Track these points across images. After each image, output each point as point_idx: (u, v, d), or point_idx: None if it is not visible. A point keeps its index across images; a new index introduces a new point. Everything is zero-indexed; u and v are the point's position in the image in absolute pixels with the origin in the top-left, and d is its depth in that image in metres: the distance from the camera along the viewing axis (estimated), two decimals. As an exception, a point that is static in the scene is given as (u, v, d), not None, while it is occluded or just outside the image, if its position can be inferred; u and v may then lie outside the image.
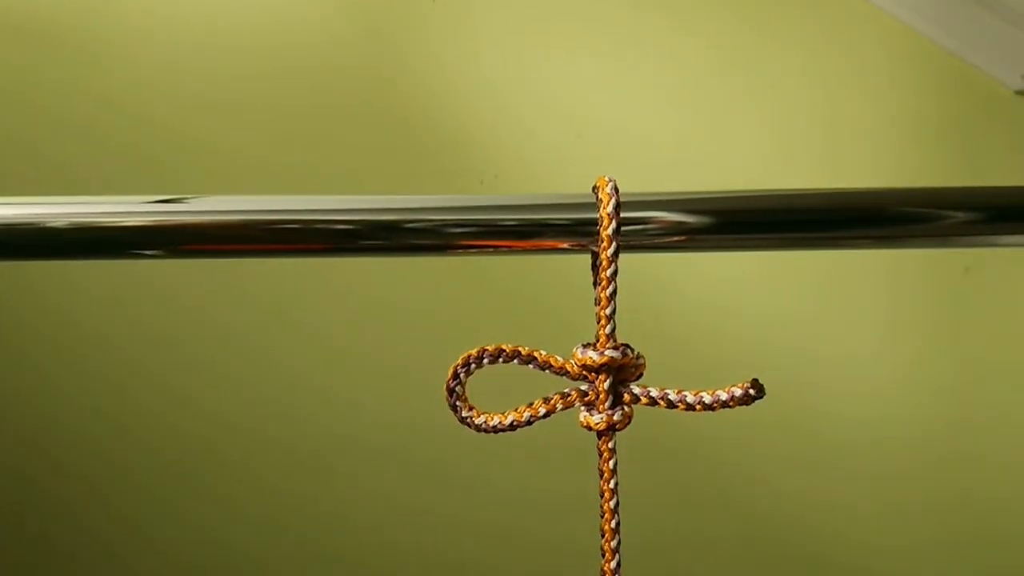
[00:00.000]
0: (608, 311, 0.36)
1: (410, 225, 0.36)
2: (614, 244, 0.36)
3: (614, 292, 0.36)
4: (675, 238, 0.37)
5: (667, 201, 0.37)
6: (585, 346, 0.37)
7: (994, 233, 0.39)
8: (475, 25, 1.07)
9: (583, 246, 0.37)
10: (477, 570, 1.11)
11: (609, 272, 0.36)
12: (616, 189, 0.36)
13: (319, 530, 1.11)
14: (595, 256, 0.37)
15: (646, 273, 1.03)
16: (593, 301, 0.37)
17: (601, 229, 0.36)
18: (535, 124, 1.07)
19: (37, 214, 0.36)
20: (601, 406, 0.37)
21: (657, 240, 0.37)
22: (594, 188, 0.37)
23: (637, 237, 0.37)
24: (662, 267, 1.04)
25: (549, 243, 0.37)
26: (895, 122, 1.06)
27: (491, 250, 0.37)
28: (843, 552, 1.10)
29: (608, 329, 0.37)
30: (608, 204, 0.36)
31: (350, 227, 0.36)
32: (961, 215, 0.38)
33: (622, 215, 0.36)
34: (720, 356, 1.06)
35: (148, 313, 1.07)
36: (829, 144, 1.07)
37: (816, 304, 1.08)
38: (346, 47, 1.07)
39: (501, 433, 0.38)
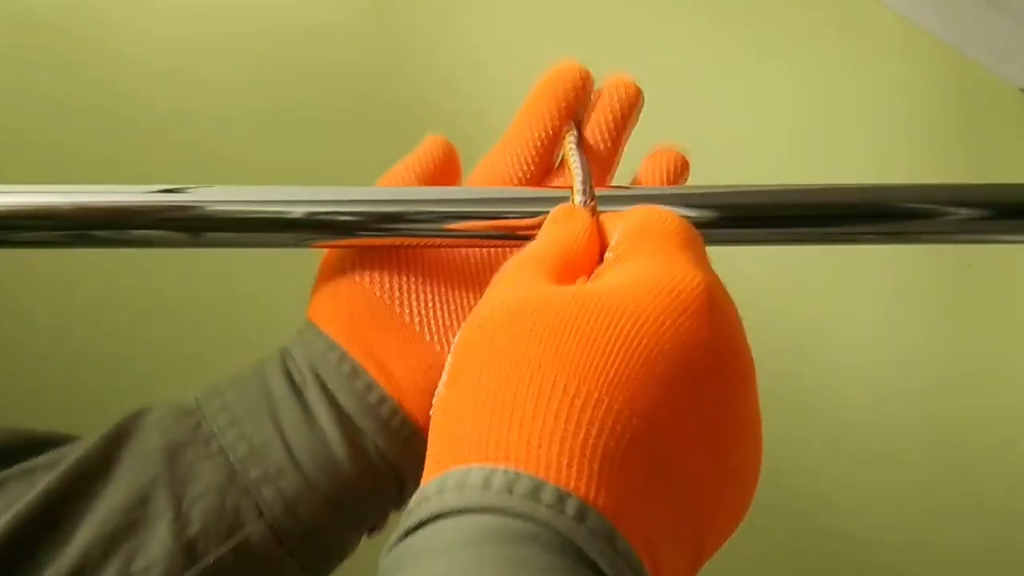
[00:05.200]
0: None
1: (412, 216, 0.36)
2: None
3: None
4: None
5: (668, 195, 0.37)
6: None
7: (997, 230, 0.39)
8: (478, 15, 1.07)
9: None
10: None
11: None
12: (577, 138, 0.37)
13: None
14: None
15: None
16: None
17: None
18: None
19: (36, 203, 0.36)
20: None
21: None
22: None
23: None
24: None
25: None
26: (899, 118, 1.06)
27: (489, 241, 0.37)
28: (835, 530, 1.11)
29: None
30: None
31: (352, 218, 0.36)
32: (964, 212, 0.38)
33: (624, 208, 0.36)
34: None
35: (156, 299, 1.07)
36: (832, 139, 1.07)
37: (816, 299, 1.08)
38: (347, 37, 1.07)
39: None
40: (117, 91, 1.05)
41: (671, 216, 0.30)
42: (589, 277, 0.29)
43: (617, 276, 0.27)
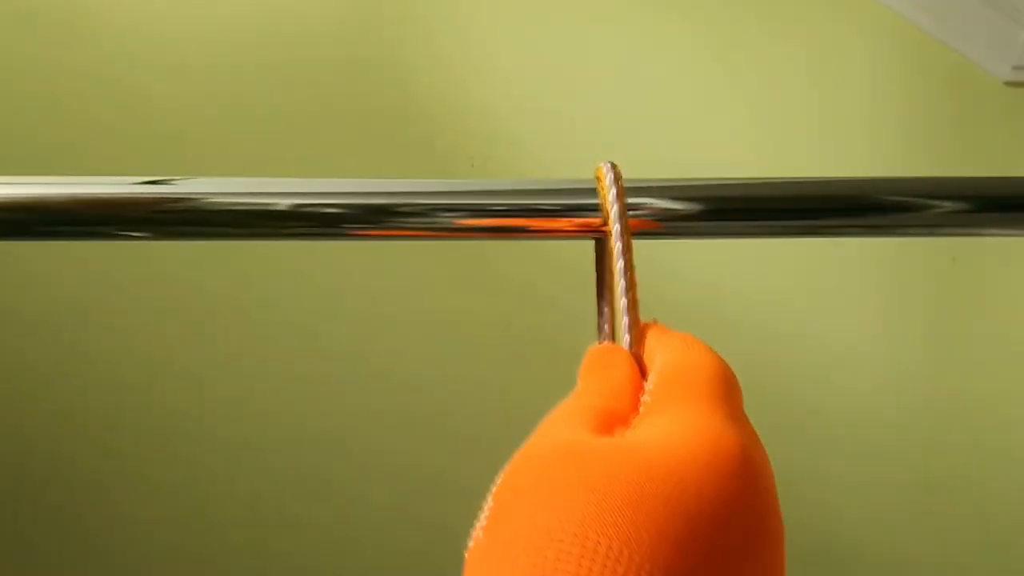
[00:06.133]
0: (621, 291, 0.33)
1: (401, 209, 0.36)
2: (618, 227, 0.34)
3: (627, 273, 0.33)
4: (664, 225, 0.37)
5: (656, 188, 0.37)
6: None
7: (981, 224, 0.39)
8: (466, 7, 1.07)
9: (590, 230, 0.36)
10: (447, 569, 1.11)
11: (620, 260, 0.34)
12: (614, 170, 0.35)
13: (293, 525, 1.11)
14: (599, 244, 0.36)
15: (635, 260, 1.03)
16: (596, 290, 0.35)
17: (605, 215, 0.35)
18: (527, 108, 1.06)
19: (21, 194, 0.35)
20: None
21: (647, 227, 0.37)
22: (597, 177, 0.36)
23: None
24: (651, 254, 1.04)
25: (556, 226, 0.36)
26: (884, 111, 1.07)
27: (494, 235, 0.37)
28: (825, 527, 1.11)
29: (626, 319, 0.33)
30: (608, 189, 0.35)
31: (339, 210, 0.36)
32: (948, 205, 0.38)
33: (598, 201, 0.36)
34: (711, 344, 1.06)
35: (143, 292, 1.07)
36: (818, 133, 1.07)
37: (803, 292, 1.09)
38: (336, 30, 1.06)
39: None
40: (108, 84, 1.04)
41: (706, 359, 0.31)
42: (627, 423, 0.29)
43: (656, 430, 0.27)
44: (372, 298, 1.08)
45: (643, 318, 0.34)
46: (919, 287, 1.09)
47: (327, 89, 1.06)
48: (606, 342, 0.34)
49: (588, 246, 0.37)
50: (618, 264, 0.34)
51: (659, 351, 0.32)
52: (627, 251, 0.34)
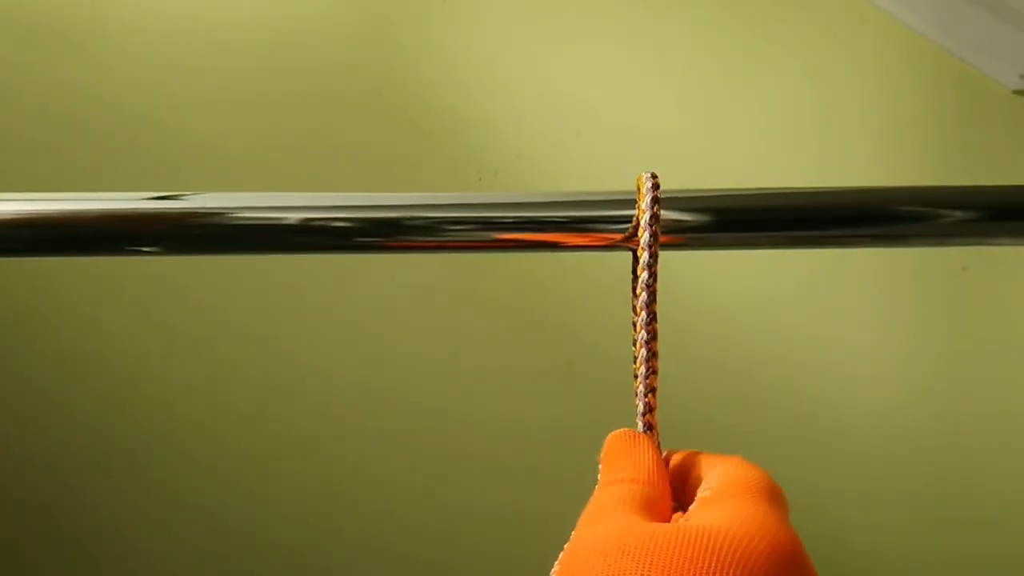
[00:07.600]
0: (642, 302, 0.34)
1: (408, 222, 0.36)
2: (649, 239, 0.34)
3: (650, 287, 0.34)
4: (673, 236, 0.37)
5: (665, 199, 0.37)
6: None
7: (991, 232, 0.39)
8: (474, 21, 1.07)
9: (622, 242, 0.37)
10: (485, 555, 1.11)
11: (645, 270, 0.34)
12: (655, 183, 0.35)
13: (329, 515, 1.11)
14: (635, 254, 0.36)
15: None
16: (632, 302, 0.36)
17: (638, 227, 0.35)
18: (533, 120, 1.07)
19: (32, 211, 0.35)
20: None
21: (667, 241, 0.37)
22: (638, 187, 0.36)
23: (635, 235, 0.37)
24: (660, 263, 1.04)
25: (591, 240, 0.37)
26: (893, 121, 1.06)
27: (524, 249, 0.37)
28: (834, 535, 1.11)
29: (644, 318, 0.34)
30: (647, 209, 0.35)
31: (349, 224, 0.36)
32: (959, 214, 0.38)
33: (620, 212, 0.36)
34: (719, 351, 1.06)
35: (156, 307, 1.07)
36: (826, 142, 1.07)
37: (815, 302, 1.08)
38: (344, 44, 1.07)
39: None
40: (112, 95, 1.05)
41: (765, 476, 0.33)
42: (672, 508, 0.31)
43: (719, 519, 0.29)
44: (389, 298, 1.08)
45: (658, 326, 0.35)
46: (930, 296, 1.08)
47: (338, 107, 1.07)
48: (625, 428, 0.35)
49: (593, 258, 0.37)
50: (643, 277, 0.34)
51: (720, 463, 0.34)
52: (654, 267, 0.34)
